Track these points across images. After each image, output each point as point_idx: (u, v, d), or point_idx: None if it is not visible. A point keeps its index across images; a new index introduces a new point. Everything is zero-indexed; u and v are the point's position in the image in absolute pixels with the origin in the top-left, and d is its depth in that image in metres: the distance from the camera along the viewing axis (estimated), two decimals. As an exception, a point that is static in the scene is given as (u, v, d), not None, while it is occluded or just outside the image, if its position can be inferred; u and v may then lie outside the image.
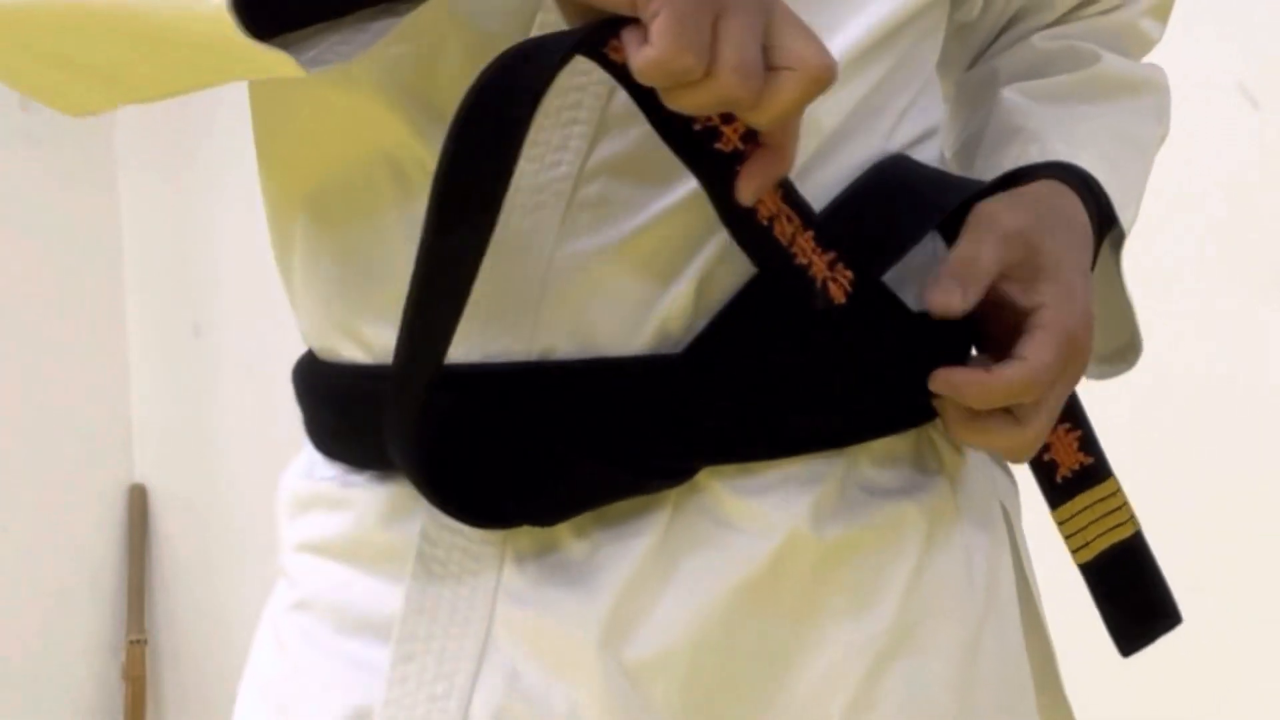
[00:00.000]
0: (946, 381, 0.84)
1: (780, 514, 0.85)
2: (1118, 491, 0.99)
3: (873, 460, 0.88)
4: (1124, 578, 1.00)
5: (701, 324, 0.83)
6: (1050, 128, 0.97)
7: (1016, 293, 0.86)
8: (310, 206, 0.89)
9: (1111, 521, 0.98)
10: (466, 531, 0.84)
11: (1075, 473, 0.97)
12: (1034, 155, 0.95)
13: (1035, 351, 0.84)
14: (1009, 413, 0.85)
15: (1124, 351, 1.03)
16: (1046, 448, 0.96)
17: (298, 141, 0.90)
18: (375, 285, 0.85)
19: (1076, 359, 0.86)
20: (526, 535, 0.84)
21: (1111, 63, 1.03)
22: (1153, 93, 1.04)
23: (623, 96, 0.79)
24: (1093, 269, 0.93)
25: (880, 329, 0.85)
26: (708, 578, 0.84)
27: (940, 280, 0.83)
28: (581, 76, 0.81)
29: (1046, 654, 0.98)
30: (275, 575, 0.95)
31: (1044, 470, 0.97)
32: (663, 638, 0.84)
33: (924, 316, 0.85)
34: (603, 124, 0.81)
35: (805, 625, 0.86)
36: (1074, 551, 0.98)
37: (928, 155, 0.92)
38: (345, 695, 0.87)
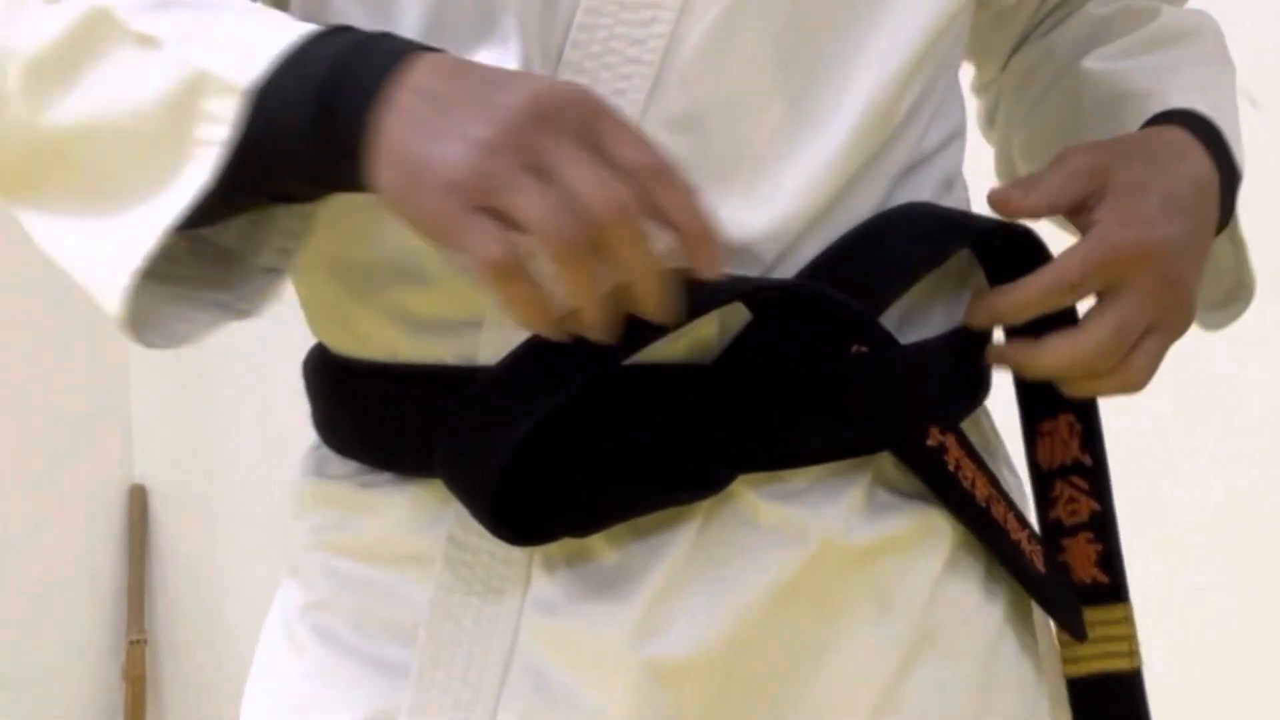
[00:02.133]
0: (984, 308, 0.88)
1: (814, 520, 0.85)
2: (1126, 620, 0.96)
3: (896, 464, 0.88)
4: (1109, 710, 0.96)
5: (734, 331, 0.82)
6: (1152, 82, 0.99)
7: (1083, 224, 0.90)
8: (334, 200, 0.87)
9: (1111, 649, 0.96)
10: (493, 536, 0.83)
11: (1085, 586, 0.95)
12: (1154, 108, 0.98)
13: (1064, 258, 0.88)
14: (1069, 324, 0.89)
15: (1234, 292, 1.04)
16: (1062, 549, 0.95)
17: None
18: (409, 289, 0.84)
19: (1137, 270, 0.88)
20: (556, 542, 0.83)
21: (1170, 14, 1.04)
22: (1213, 35, 1.06)
23: (667, 100, 0.81)
24: (1226, 216, 0.96)
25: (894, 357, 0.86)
26: (741, 582, 0.84)
27: (1004, 185, 0.90)
28: (622, 81, 0.81)
29: (1052, 659, 0.98)
30: (280, 572, 0.95)
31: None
32: (695, 641, 0.84)
33: (942, 341, 0.87)
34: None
35: (833, 627, 0.86)
36: (1064, 662, 0.96)
37: (952, 162, 0.92)
38: (367, 698, 0.87)
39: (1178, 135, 0.94)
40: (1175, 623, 2.18)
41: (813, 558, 0.85)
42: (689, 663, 0.84)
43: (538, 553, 0.84)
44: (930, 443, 0.87)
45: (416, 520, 0.86)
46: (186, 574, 2.99)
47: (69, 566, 2.92)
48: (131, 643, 2.90)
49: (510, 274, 0.70)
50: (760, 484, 0.84)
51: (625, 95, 0.81)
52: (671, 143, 0.79)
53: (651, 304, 0.73)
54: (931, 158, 0.90)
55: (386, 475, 0.87)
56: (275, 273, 0.84)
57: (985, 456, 0.91)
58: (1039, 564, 0.93)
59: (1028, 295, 0.87)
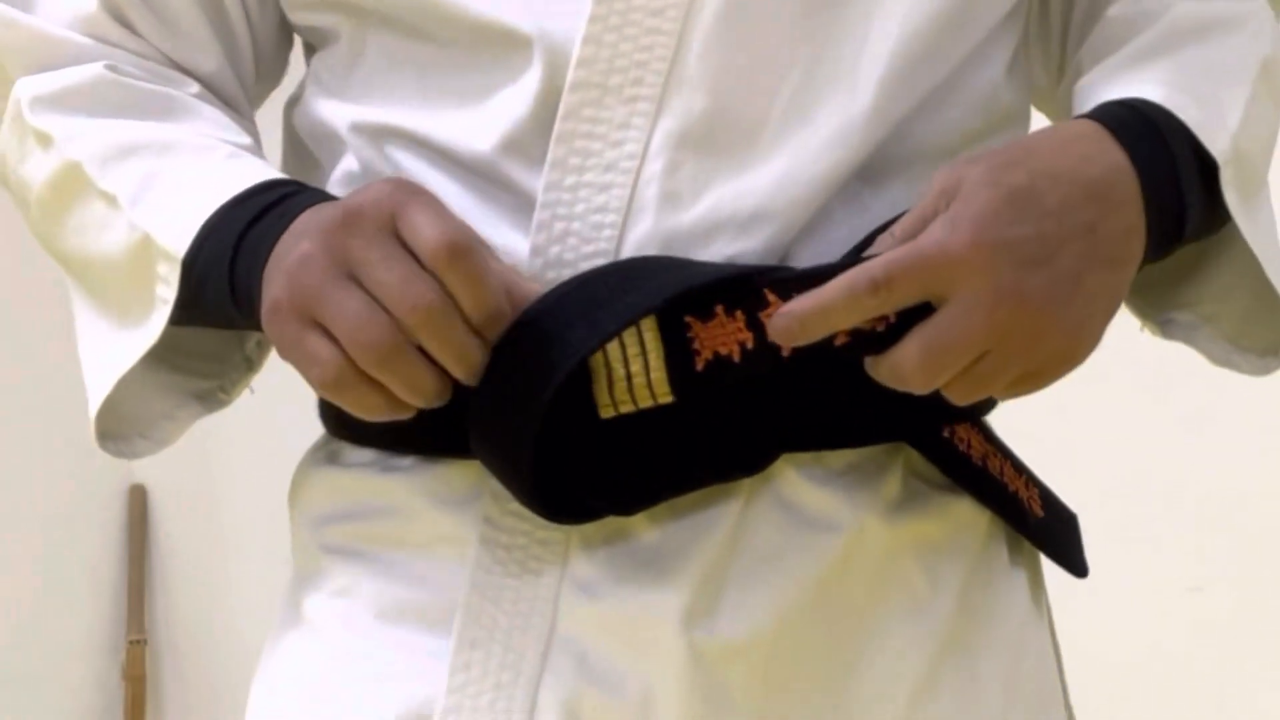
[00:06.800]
0: (782, 317, 0.77)
1: (853, 503, 0.85)
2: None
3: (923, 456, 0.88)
4: None
5: None
6: (1107, 79, 0.87)
7: None
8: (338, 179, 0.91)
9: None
10: (532, 518, 0.83)
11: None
12: (1090, 103, 0.86)
13: (876, 259, 0.77)
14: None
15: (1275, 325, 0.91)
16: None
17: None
18: None
19: (962, 278, 0.75)
20: (594, 523, 0.84)
21: (1184, 9, 0.90)
22: (1243, 22, 0.91)
23: (688, 66, 0.82)
24: (1181, 223, 0.82)
25: None
26: (785, 567, 0.84)
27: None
28: (643, 53, 0.83)
29: (1058, 659, 0.98)
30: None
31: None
32: (744, 625, 0.84)
33: None
34: (665, 98, 0.83)
35: (874, 614, 0.87)
36: None
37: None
38: (402, 686, 0.86)
39: (1076, 127, 0.82)
40: (1175, 623, 2.18)
41: (852, 543, 0.85)
42: (738, 646, 0.84)
43: (576, 533, 0.84)
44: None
45: (446, 502, 0.86)
46: (186, 574, 2.99)
47: (69, 566, 2.92)
48: (131, 643, 2.90)
49: (336, 388, 0.77)
50: (803, 465, 0.84)
51: (648, 65, 0.83)
52: (692, 109, 0.82)
53: (470, 381, 0.78)
54: (975, 145, 0.87)
55: (410, 459, 0.88)
56: (252, 364, 0.97)
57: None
58: (1038, 508, 0.92)
59: (825, 299, 0.76)
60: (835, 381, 0.82)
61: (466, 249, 0.75)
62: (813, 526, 0.85)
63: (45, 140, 0.91)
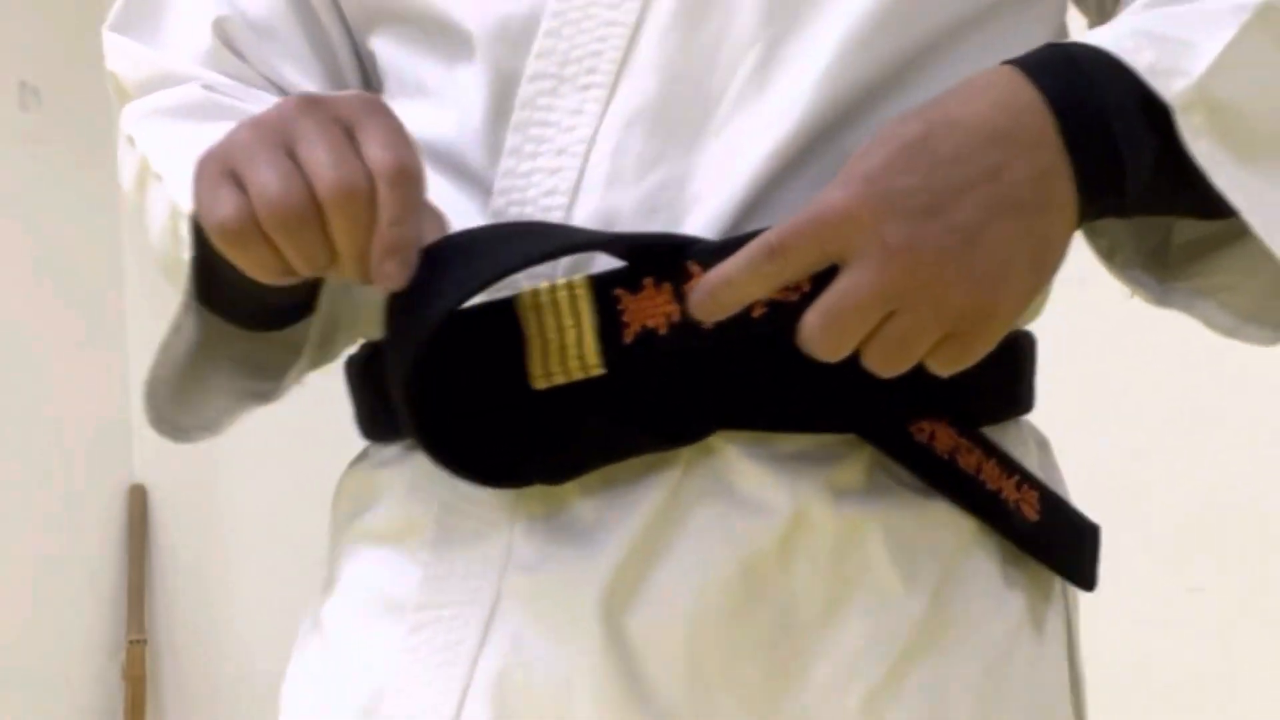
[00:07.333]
0: (696, 291, 0.76)
1: (794, 489, 0.83)
2: None
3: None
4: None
5: None
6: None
7: None
8: None
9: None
10: (480, 499, 0.84)
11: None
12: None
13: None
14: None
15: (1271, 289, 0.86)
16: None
17: None
18: None
19: (853, 236, 0.73)
20: (537, 500, 0.84)
21: None
22: None
23: (643, 53, 0.84)
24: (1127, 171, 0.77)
25: None
26: (713, 550, 0.83)
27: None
28: (599, 43, 0.84)
29: (1076, 684, 0.94)
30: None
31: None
32: (663, 607, 0.83)
33: None
34: (618, 84, 0.84)
35: (828, 608, 0.84)
36: None
37: None
38: (367, 677, 0.87)
39: (992, 73, 0.77)
40: (1175, 623, 2.18)
41: (789, 530, 0.83)
42: (655, 631, 0.83)
43: (519, 513, 0.84)
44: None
45: (416, 490, 0.87)
46: (186, 574, 2.99)
47: (69, 566, 2.92)
48: (131, 643, 2.90)
49: (236, 239, 0.76)
50: (746, 444, 0.83)
51: (602, 55, 0.84)
52: (645, 92, 0.83)
53: (359, 278, 0.77)
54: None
55: (395, 450, 0.89)
56: (305, 368, 0.96)
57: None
58: (1030, 511, 0.88)
59: (729, 270, 0.75)
60: (770, 358, 0.81)
61: (416, 177, 0.76)
62: (744, 509, 0.83)
63: (131, 141, 0.97)
